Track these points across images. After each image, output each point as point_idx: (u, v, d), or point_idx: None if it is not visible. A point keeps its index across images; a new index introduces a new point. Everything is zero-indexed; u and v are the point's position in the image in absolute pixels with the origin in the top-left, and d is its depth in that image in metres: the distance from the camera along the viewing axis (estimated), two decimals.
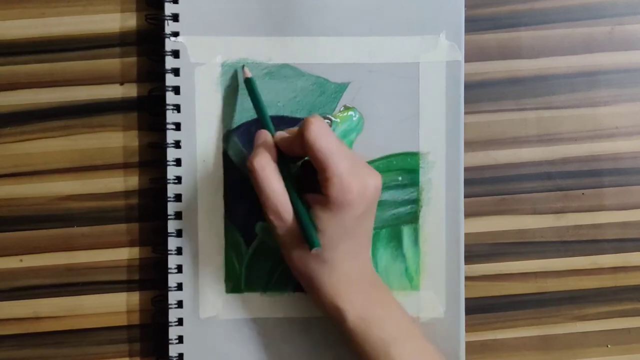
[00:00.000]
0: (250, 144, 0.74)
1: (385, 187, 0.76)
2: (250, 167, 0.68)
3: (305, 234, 0.67)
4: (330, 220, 0.67)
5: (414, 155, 0.76)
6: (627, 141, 0.79)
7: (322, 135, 0.66)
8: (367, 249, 0.72)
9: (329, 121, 0.75)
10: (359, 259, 0.70)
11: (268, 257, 0.76)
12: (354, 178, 0.66)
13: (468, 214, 0.77)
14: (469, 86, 0.77)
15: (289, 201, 0.68)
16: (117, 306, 0.78)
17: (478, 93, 0.78)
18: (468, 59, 0.77)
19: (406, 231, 0.76)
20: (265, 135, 0.71)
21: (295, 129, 0.70)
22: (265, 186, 0.67)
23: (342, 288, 0.69)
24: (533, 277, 0.79)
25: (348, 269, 0.69)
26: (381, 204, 0.75)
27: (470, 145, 0.78)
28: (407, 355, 0.68)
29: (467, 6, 0.76)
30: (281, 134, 0.71)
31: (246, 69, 0.75)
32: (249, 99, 0.74)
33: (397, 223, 0.76)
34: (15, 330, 0.78)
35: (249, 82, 0.74)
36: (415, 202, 0.76)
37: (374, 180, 0.68)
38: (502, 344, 0.78)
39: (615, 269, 0.80)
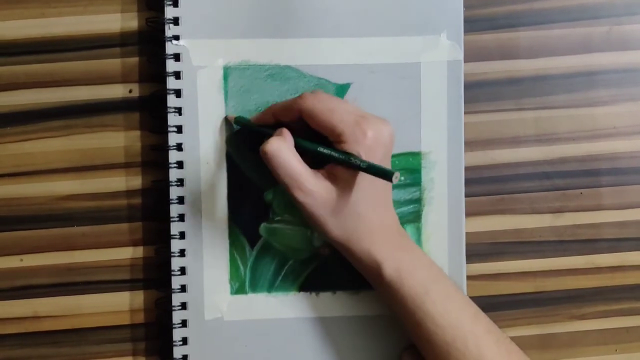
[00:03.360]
0: (253, 146, 0.74)
1: None
2: (263, 153, 0.68)
3: (375, 170, 0.65)
4: (354, 174, 0.68)
5: (416, 155, 0.76)
6: (625, 141, 0.80)
7: (318, 101, 0.68)
8: (390, 200, 0.73)
9: None
10: (385, 210, 0.72)
11: (272, 258, 0.76)
12: (365, 125, 0.67)
13: (466, 214, 0.78)
14: (468, 86, 0.77)
15: (308, 173, 0.68)
16: (117, 306, 0.78)
17: (477, 93, 0.78)
18: (467, 59, 0.77)
19: (409, 230, 0.77)
20: (281, 129, 0.71)
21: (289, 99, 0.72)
22: (281, 165, 0.68)
23: (377, 240, 0.70)
24: (531, 276, 0.80)
25: (380, 219, 0.70)
26: None
27: (469, 145, 0.78)
28: (439, 301, 0.69)
29: (466, 6, 0.76)
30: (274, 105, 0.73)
31: (229, 116, 0.75)
32: (251, 101, 0.75)
33: (400, 222, 0.76)
34: (15, 330, 0.78)
35: (239, 120, 0.75)
36: (418, 201, 0.77)
37: (387, 126, 0.69)
38: None
39: (613, 268, 0.81)
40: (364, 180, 0.68)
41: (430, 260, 0.73)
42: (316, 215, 0.70)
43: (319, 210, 0.70)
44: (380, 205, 0.71)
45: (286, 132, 0.70)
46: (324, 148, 0.68)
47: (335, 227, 0.70)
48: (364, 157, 0.66)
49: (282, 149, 0.68)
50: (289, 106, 0.70)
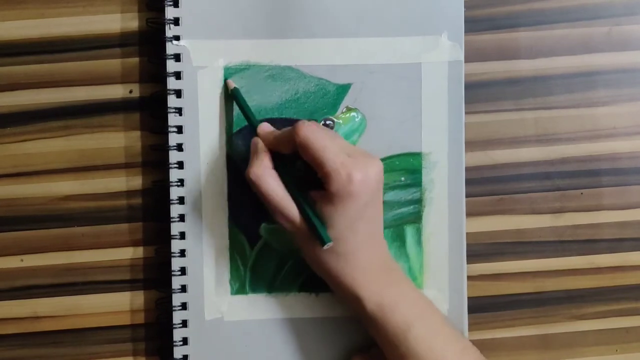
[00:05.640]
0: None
1: (388, 188, 0.76)
2: (248, 178, 0.69)
3: (315, 232, 0.68)
4: (336, 213, 0.67)
5: (417, 155, 0.76)
6: (625, 141, 0.80)
7: (312, 134, 0.67)
8: (379, 235, 0.72)
9: (332, 122, 0.75)
10: (372, 247, 0.71)
11: (272, 258, 0.76)
12: (353, 169, 0.67)
13: (467, 214, 0.77)
14: (468, 86, 0.77)
15: (292, 202, 0.69)
16: (117, 306, 0.78)
17: (477, 93, 0.78)
18: (467, 59, 0.77)
19: (409, 231, 0.77)
20: (257, 143, 0.71)
21: (286, 129, 0.71)
22: (266, 193, 0.69)
23: (358, 277, 0.70)
24: (531, 276, 0.80)
25: (362, 258, 0.70)
26: (384, 204, 0.74)
27: (469, 145, 0.78)
28: (422, 337, 0.69)
29: (466, 7, 0.76)
30: (268, 131, 0.72)
31: (229, 81, 0.75)
32: (252, 101, 0.75)
33: (400, 223, 0.76)
34: (15, 330, 0.78)
35: (235, 93, 0.74)
36: (418, 202, 0.77)
37: (375, 167, 0.69)
38: (501, 343, 0.79)
39: (613, 269, 0.80)
40: (342, 219, 0.68)
41: (417, 294, 0.72)
42: (295, 241, 0.72)
43: (298, 237, 0.71)
44: (366, 240, 0.70)
45: (265, 153, 0.71)
46: (296, 190, 0.70)
47: (313, 256, 0.71)
48: (346, 202, 0.67)
49: (263, 175, 0.69)
50: (285, 137, 0.69)
